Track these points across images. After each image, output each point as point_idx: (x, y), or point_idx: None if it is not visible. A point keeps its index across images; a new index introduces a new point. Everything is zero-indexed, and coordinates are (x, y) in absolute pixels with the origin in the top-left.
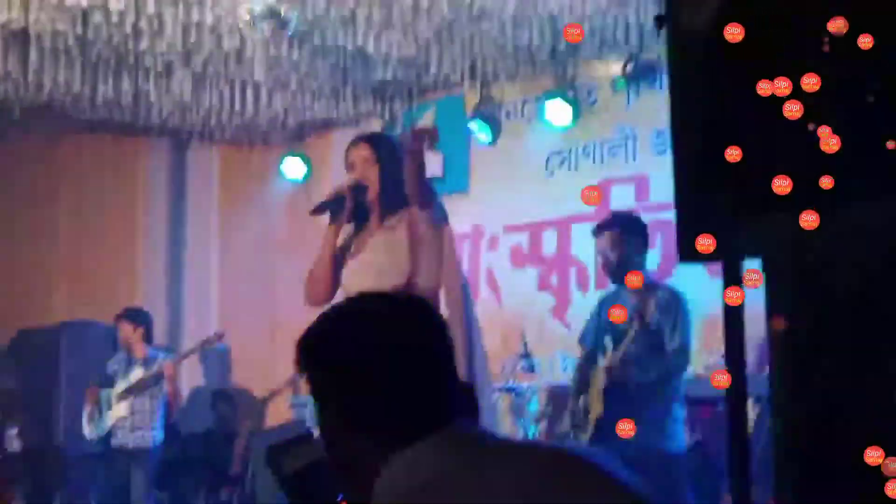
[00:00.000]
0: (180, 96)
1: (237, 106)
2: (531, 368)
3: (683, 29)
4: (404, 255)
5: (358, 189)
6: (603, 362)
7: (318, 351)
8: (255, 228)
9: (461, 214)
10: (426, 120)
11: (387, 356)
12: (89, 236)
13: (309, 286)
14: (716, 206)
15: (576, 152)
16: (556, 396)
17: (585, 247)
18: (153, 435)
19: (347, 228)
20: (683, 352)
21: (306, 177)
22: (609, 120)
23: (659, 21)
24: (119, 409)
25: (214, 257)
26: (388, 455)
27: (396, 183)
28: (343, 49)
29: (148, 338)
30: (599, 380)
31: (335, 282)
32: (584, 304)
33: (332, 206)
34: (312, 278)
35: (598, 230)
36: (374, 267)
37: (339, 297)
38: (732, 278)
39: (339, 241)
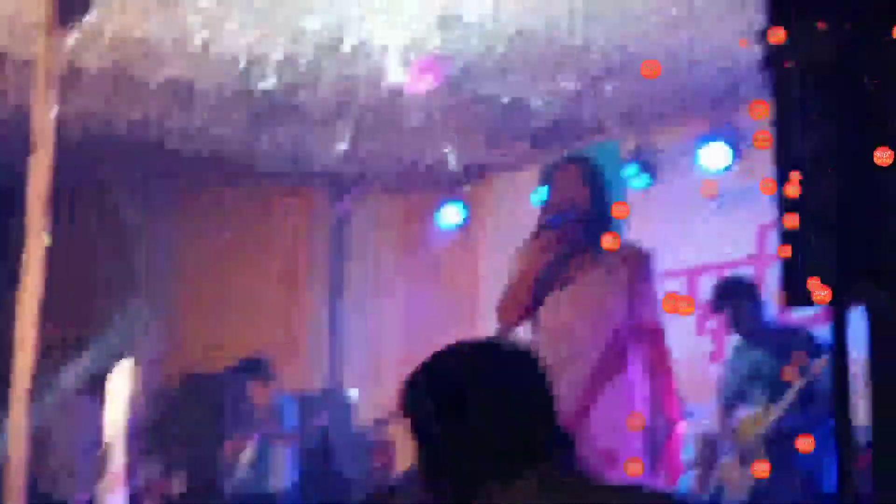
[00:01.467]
0: (339, 144)
1: (395, 152)
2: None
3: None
4: (624, 295)
5: (571, 211)
6: (746, 414)
7: (423, 393)
8: (412, 275)
9: None
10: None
11: (485, 402)
12: (258, 280)
13: (505, 303)
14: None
15: (732, 195)
16: (712, 443)
17: None
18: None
19: (546, 251)
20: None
21: (464, 221)
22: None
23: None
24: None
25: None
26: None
27: (603, 210)
28: (497, 98)
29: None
30: (745, 433)
31: (535, 302)
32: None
33: (559, 221)
34: (510, 295)
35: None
36: (591, 303)
37: (536, 328)
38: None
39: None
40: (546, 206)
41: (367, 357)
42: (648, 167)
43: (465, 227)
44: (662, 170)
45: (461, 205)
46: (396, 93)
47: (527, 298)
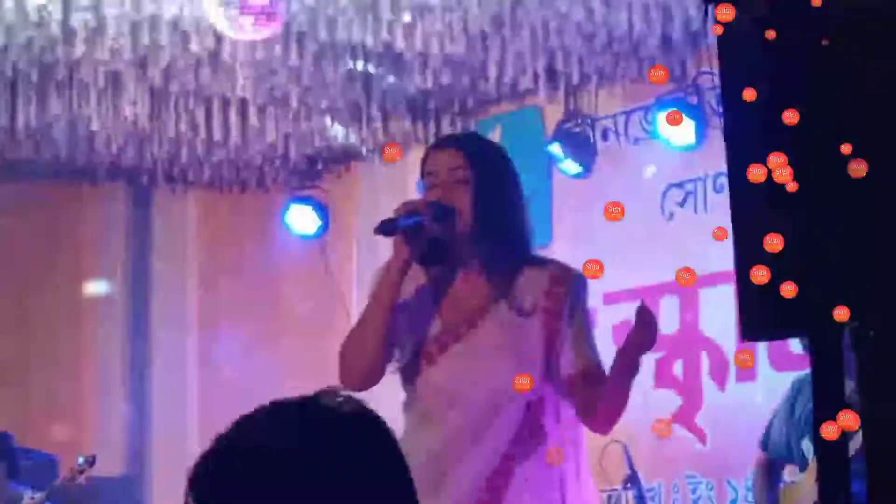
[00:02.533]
0: (134, 123)
1: (216, 135)
2: (641, 501)
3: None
4: (541, 338)
5: (440, 213)
6: (803, 477)
7: (214, 484)
8: (250, 305)
9: None
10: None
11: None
12: (20, 324)
13: (348, 354)
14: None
15: (703, 184)
16: None
17: (721, 320)
18: None
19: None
20: None
21: (321, 231)
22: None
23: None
24: None
25: (191, 346)
26: None
27: (501, 213)
28: (362, 49)
29: (12, 471)
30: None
31: (393, 352)
32: (722, 404)
33: (408, 225)
34: (354, 343)
35: None
36: (490, 353)
37: (411, 389)
38: None
39: (406, 292)
40: (409, 206)
41: (181, 425)
42: (583, 145)
43: (321, 237)
44: (604, 149)
45: (314, 206)
46: (214, 45)
47: (379, 342)
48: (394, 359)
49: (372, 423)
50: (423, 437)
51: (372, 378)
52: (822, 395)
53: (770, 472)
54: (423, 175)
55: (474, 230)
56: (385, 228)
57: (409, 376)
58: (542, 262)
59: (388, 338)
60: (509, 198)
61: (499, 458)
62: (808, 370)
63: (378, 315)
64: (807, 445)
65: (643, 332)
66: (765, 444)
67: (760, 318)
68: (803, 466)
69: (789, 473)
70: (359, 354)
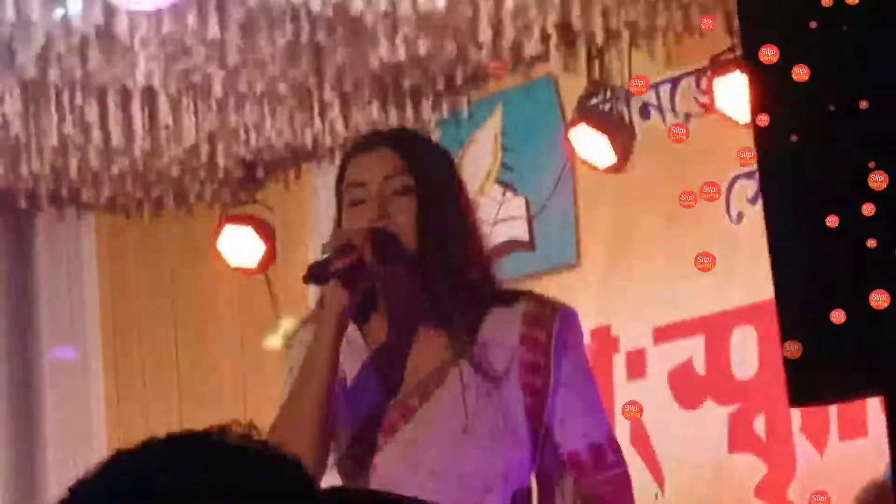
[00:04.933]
0: (2, 127)
1: (115, 139)
2: None
3: None
4: (522, 418)
5: (385, 241)
6: None
7: None
8: (172, 367)
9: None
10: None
11: None
12: None
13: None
14: None
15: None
16: None
17: None
18: None
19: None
20: None
21: (267, 261)
22: None
23: None
24: None
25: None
26: None
27: (456, 234)
28: (306, 12)
29: None
30: None
31: (329, 437)
32: (822, 470)
33: (347, 266)
34: (283, 430)
35: None
36: (458, 447)
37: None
38: None
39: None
40: (340, 237)
41: None
42: (614, 125)
43: (265, 269)
44: (644, 129)
45: (254, 228)
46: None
47: (317, 436)
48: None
49: (292, 465)
50: None
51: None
52: None
53: None
54: (342, 188)
55: (421, 260)
56: (317, 275)
57: (350, 471)
58: (513, 298)
59: (330, 421)
60: (462, 213)
61: None
62: None
63: (314, 393)
64: None
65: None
66: None
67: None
68: None
69: None
70: (294, 438)
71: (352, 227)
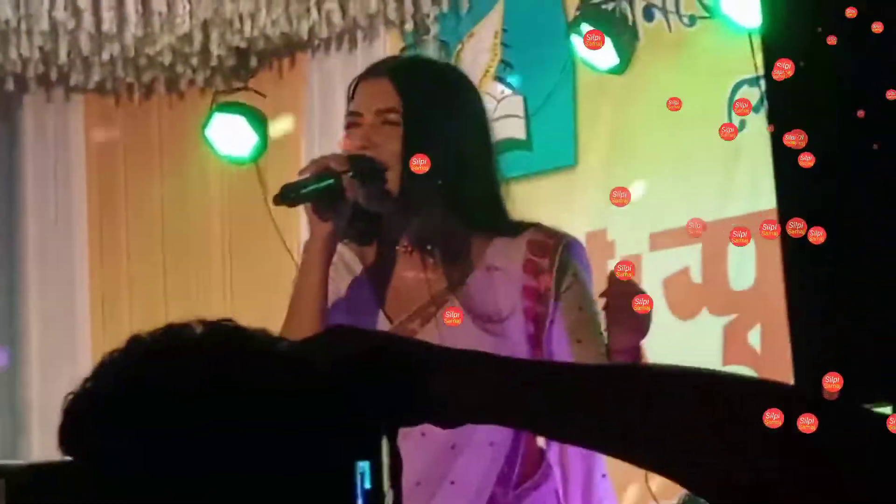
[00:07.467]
0: None
1: (107, 24)
2: None
3: None
4: (523, 342)
5: (364, 169)
6: None
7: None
8: (163, 248)
9: (563, 211)
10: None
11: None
12: None
13: None
14: None
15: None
16: None
17: None
18: None
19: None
20: None
21: (259, 151)
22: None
23: None
24: None
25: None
26: None
27: (456, 166)
28: None
29: None
30: None
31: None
32: None
33: (315, 193)
34: None
35: None
36: None
37: None
38: None
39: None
40: (320, 163)
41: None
42: (618, 27)
43: (257, 160)
44: (648, 32)
45: (247, 113)
46: None
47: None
48: None
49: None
50: None
51: None
52: None
53: None
54: (346, 118)
55: (404, 190)
56: (286, 195)
57: None
58: (518, 229)
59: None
60: (459, 143)
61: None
62: None
63: (303, 323)
64: None
65: (627, 321)
66: None
67: None
68: None
69: None
70: None
71: (332, 154)
